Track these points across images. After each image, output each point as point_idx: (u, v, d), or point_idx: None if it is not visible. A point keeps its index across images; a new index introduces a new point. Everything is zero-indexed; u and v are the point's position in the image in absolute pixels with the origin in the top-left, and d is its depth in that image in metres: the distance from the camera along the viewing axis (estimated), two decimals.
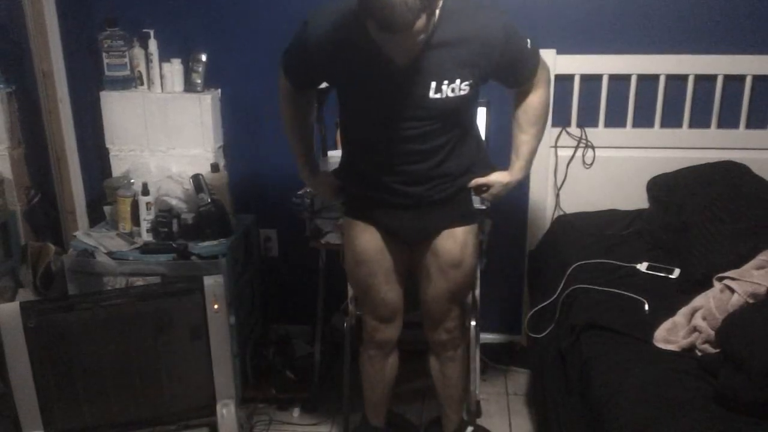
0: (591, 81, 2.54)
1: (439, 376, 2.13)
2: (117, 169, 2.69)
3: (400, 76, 1.62)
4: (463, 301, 2.09)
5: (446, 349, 2.08)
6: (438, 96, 1.65)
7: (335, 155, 2.32)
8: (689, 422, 1.42)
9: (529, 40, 1.72)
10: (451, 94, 1.65)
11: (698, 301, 1.79)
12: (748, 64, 2.46)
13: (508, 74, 1.77)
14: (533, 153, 1.88)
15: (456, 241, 1.89)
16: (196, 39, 2.62)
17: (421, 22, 1.45)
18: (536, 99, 1.83)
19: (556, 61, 2.48)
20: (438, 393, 2.18)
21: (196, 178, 2.48)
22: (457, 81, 1.64)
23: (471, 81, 1.66)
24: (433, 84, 1.63)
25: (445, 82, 1.63)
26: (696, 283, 1.91)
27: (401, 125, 1.70)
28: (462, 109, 1.71)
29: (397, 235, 1.90)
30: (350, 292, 2.24)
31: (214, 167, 2.61)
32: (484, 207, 2.24)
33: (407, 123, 1.69)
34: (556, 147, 2.61)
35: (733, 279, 1.76)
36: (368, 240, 1.90)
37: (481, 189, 1.90)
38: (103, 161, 2.72)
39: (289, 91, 1.84)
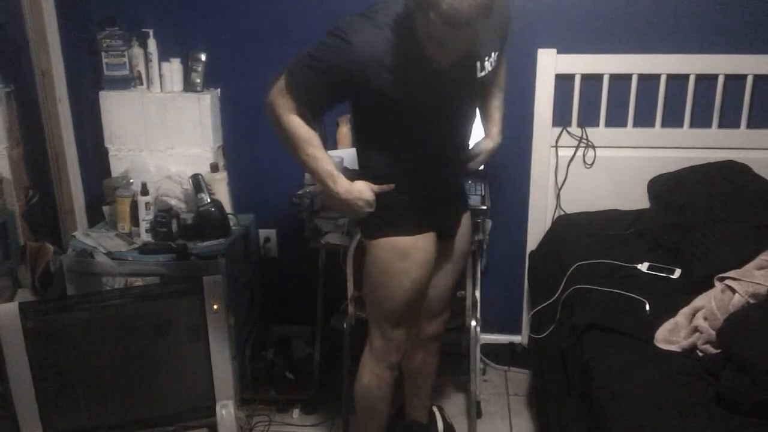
0: (592, 81, 2.53)
1: (422, 367, 2.09)
2: (116, 168, 2.68)
3: (451, 69, 1.56)
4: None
5: (435, 341, 2.07)
6: (483, 74, 1.64)
7: (333, 154, 2.32)
8: (690, 423, 1.42)
9: None
10: (489, 69, 1.65)
11: (699, 301, 1.79)
12: (749, 64, 2.45)
13: (500, 52, 1.74)
14: (503, 119, 1.91)
15: (465, 228, 1.92)
16: (196, 39, 2.62)
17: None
18: (502, 69, 1.86)
19: (556, 61, 2.47)
20: (418, 384, 2.13)
21: (196, 178, 2.48)
22: (493, 54, 1.63)
23: (499, 52, 1.65)
24: (479, 63, 1.62)
25: (486, 57, 1.62)
26: (697, 284, 1.91)
27: (452, 115, 1.69)
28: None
29: (444, 234, 1.85)
30: (350, 292, 2.21)
31: (214, 167, 2.60)
32: (485, 207, 2.23)
33: (456, 112, 1.69)
34: (556, 147, 2.60)
35: (734, 279, 1.75)
36: (431, 250, 1.79)
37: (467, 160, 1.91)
38: (102, 161, 2.71)
39: (300, 113, 1.62)
